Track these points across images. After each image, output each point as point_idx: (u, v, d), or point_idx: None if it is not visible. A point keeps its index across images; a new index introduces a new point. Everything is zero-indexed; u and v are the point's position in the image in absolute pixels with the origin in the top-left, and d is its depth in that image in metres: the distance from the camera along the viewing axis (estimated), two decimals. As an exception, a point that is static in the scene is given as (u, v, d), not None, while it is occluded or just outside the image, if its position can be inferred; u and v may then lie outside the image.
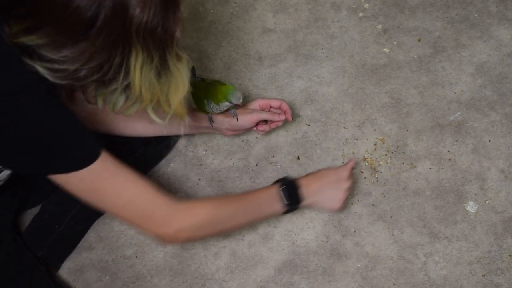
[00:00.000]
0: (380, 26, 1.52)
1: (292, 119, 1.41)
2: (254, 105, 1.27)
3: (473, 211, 1.31)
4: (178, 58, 0.85)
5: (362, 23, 1.52)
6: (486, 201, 1.32)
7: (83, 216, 1.29)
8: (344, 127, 1.40)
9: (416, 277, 1.25)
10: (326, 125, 1.41)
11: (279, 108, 1.27)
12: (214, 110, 1.21)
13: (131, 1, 0.76)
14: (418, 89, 1.44)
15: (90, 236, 1.32)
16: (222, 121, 1.26)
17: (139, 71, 0.80)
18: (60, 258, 1.29)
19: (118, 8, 0.75)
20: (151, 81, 0.83)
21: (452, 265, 1.26)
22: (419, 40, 1.49)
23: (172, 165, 1.38)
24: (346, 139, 1.39)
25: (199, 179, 1.36)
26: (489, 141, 1.38)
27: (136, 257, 1.30)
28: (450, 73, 1.45)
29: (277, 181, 1.17)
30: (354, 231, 1.30)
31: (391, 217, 1.31)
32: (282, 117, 1.27)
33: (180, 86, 0.87)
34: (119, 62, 0.79)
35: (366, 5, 1.55)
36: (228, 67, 1.48)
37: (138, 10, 0.76)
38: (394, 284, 1.25)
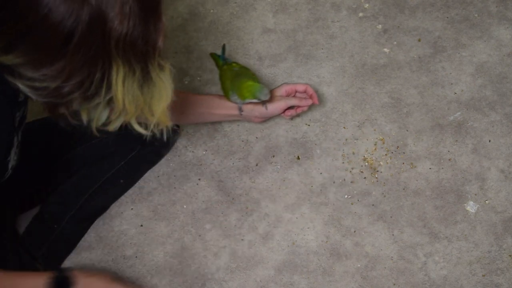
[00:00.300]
0: (380, 26, 1.52)
1: (292, 119, 1.41)
2: (281, 91, 1.27)
3: (473, 211, 1.31)
4: (161, 68, 0.82)
5: (362, 23, 1.52)
6: (486, 201, 1.32)
7: (83, 216, 1.29)
8: (344, 127, 1.40)
9: (416, 277, 1.25)
10: (326, 125, 1.41)
11: (305, 92, 1.28)
12: (237, 102, 1.23)
13: (109, 13, 0.72)
14: (418, 89, 1.44)
15: (90, 236, 1.32)
16: (252, 111, 1.26)
17: (121, 84, 0.78)
18: (59, 258, 1.29)
19: (95, 21, 0.72)
20: (134, 93, 0.80)
21: (452, 265, 1.26)
22: (419, 40, 1.49)
23: (172, 165, 1.38)
24: (346, 139, 1.39)
25: (199, 179, 1.36)
26: (489, 141, 1.38)
27: (136, 257, 1.30)
28: (450, 73, 1.45)
29: (54, 270, 1.09)
30: (354, 231, 1.30)
31: (391, 217, 1.31)
32: (309, 102, 1.27)
33: (163, 95, 0.84)
34: (100, 77, 0.76)
35: (366, 5, 1.55)
36: (228, 67, 1.48)
37: (116, 22, 0.73)
38: (394, 284, 1.25)
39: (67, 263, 1.30)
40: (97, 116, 0.86)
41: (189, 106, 1.24)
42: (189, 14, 1.55)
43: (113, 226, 1.33)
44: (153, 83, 0.81)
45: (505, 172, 1.34)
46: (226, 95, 1.24)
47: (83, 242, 1.31)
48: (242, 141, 1.40)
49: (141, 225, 1.33)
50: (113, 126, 0.87)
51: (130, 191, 1.35)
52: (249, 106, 1.25)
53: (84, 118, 0.86)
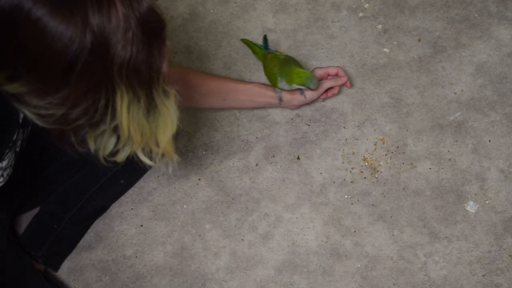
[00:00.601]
0: (380, 26, 1.52)
1: (292, 119, 1.41)
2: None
3: (473, 211, 1.31)
4: (166, 94, 0.80)
5: (362, 23, 1.52)
6: (486, 201, 1.32)
7: (83, 216, 1.29)
8: (344, 127, 1.40)
9: (416, 277, 1.25)
10: (326, 125, 1.41)
11: (337, 74, 1.31)
12: (284, 88, 1.27)
13: (112, 39, 0.71)
14: (418, 89, 1.44)
15: (90, 236, 1.32)
16: (291, 100, 1.30)
17: (126, 111, 0.76)
18: (59, 258, 1.29)
19: (97, 48, 0.70)
20: (140, 121, 0.79)
21: (452, 265, 1.26)
22: (419, 40, 1.49)
23: (172, 165, 1.38)
24: (346, 139, 1.39)
25: (199, 179, 1.36)
26: (489, 141, 1.38)
27: (136, 257, 1.30)
28: (450, 73, 1.45)
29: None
30: (354, 231, 1.30)
31: (391, 217, 1.31)
32: (344, 79, 1.31)
33: (168, 124, 0.83)
34: (104, 104, 0.75)
35: (366, 5, 1.55)
36: (228, 67, 1.48)
37: (119, 48, 0.71)
38: (394, 284, 1.25)
39: (67, 263, 1.30)
40: (104, 144, 0.85)
41: (232, 94, 1.28)
42: (189, 14, 1.55)
43: (113, 226, 1.33)
44: (158, 110, 0.80)
45: (505, 172, 1.34)
46: (273, 81, 1.28)
47: (83, 242, 1.31)
48: (242, 141, 1.40)
49: (141, 225, 1.33)
50: (121, 157, 0.86)
51: (130, 191, 1.35)
52: (288, 96, 1.29)
53: (91, 146, 0.86)
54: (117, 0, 0.71)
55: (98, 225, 1.33)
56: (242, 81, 1.37)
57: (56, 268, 1.28)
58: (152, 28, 0.75)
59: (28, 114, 0.77)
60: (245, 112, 1.43)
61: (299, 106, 1.38)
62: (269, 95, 1.31)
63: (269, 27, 1.53)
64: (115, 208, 1.34)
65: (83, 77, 0.72)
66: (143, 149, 0.85)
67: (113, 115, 0.77)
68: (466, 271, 1.26)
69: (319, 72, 1.30)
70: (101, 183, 1.28)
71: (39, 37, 0.69)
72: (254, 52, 1.42)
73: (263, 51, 1.35)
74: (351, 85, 1.44)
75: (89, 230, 1.32)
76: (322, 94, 1.32)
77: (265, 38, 1.37)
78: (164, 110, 0.81)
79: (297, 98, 1.30)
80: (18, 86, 0.73)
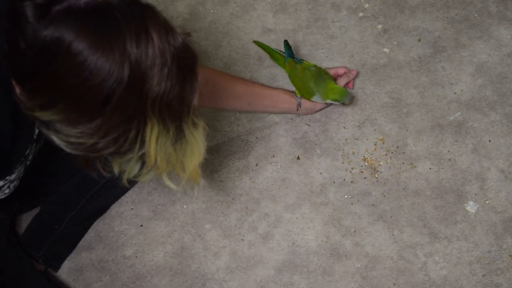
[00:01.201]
0: (380, 26, 1.52)
1: (292, 119, 1.41)
2: None
3: (473, 211, 1.31)
4: (195, 125, 0.81)
5: (362, 23, 1.52)
6: (486, 201, 1.32)
7: (83, 216, 1.29)
8: (344, 127, 1.40)
9: (416, 277, 1.25)
10: (326, 125, 1.41)
11: (345, 73, 1.37)
12: (317, 101, 1.33)
13: (148, 74, 0.71)
14: (418, 89, 1.44)
15: (90, 236, 1.32)
16: (313, 106, 1.36)
17: (154, 142, 0.77)
18: (60, 258, 1.29)
19: (134, 82, 0.71)
20: (167, 150, 0.79)
21: (452, 265, 1.26)
22: (419, 40, 1.49)
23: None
24: (346, 139, 1.39)
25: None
26: (489, 141, 1.38)
27: (136, 257, 1.30)
28: (450, 73, 1.45)
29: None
30: (354, 231, 1.30)
31: (391, 217, 1.31)
32: (355, 72, 1.39)
33: (195, 153, 0.83)
34: (134, 135, 0.76)
35: (366, 5, 1.55)
36: (228, 67, 1.48)
37: (154, 83, 0.72)
38: (394, 284, 1.25)
39: (67, 263, 1.30)
40: (129, 170, 0.85)
41: (257, 99, 1.30)
42: (189, 14, 1.55)
43: (113, 226, 1.33)
44: (186, 140, 0.81)
45: (505, 172, 1.34)
46: (306, 94, 1.31)
47: (83, 242, 1.31)
48: (242, 141, 1.40)
49: (141, 225, 1.33)
50: (144, 179, 0.86)
51: (130, 191, 1.35)
52: (310, 104, 1.34)
53: (116, 170, 0.86)
54: (155, 35, 0.71)
55: (98, 225, 1.33)
56: (267, 86, 1.38)
57: (57, 268, 1.28)
58: (186, 64, 0.76)
59: (57, 141, 0.77)
60: (245, 112, 1.43)
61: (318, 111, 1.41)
62: (292, 102, 1.34)
63: (269, 27, 1.53)
64: (115, 208, 1.34)
65: (117, 109, 0.72)
66: (168, 173, 0.85)
67: (142, 145, 0.77)
68: (466, 271, 1.26)
69: (330, 72, 1.35)
70: (101, 183, 1.28)
71: (78, 70, 0.69)
72: (273, 57, 1.41)
73: (288, 59, 1.35)
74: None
75: (89, 230, 1.32)
76: None
77: (287, 44, 1.36)
78: (192, 140, 0.81)
79: (320, 105, 1.36)
80: (51, 114, 0.73)
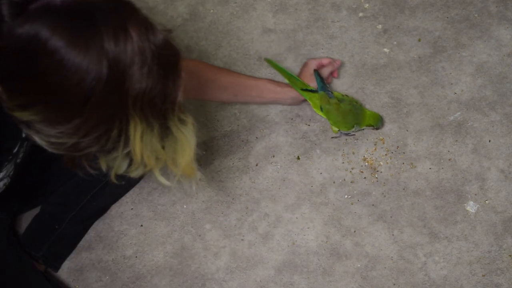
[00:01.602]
0: (380, 26, 1.52)
1: (292, 119, 1.41)
2: (312, 67, 1.35)
3: (473, 211, 1.31)
4: (182, 122, 0.79)
5: (362, 23, 1.52)
6: (486, 201, 1.32)
7: (83, 216, 1.29)
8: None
9: (416, 277, 1.25)
10: (326, 125, 1.41)
11: (329, 63, 1.38)
12: (356, 130, 1.36)
13: (127, 72, 0.70)
14: (418, 89, 1.44)
15: (90, 236, 1.32)
16: (296, 98, 1.35)
17: (139, 140, 0.75)
18: (60, 259, 1.29)
19: (113, 81, 0.69)
20: (154, 148, 0.78)
21: (452, 265, 1.26)
22: (419, 40, 1.49)
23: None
24: (346, 139, 1.39)
25: (199, 179, 1.36)
26: (489, 141, 1.38)
27: (136, 257, 1.30)
28: (450, 73, 1.45)
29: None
30: (354, 231, 1.30)
31: (391, 217, 1.31)
32: (339, 61, 1.40)
33: (186, 149, 0.82)
34: (117, 134, 0.74)
35: (366, 5, 1.55)
36: (228, 67, 1.48)
37: (135, 81, 0.71)
38: (394, 284, 1.25)
39: (67, 263, 1.30)
40: (117, 167, 0.84)
41: (243, 89, 1.29)
42: (189, 14, 1.55)
43: (113, 226, 1.33)
44: (173, 137, 0.79)
45: (505, 172, 1.34)
46: (344, 128, 1.33)
47: (83, 242, 1.31)
48: (242, 141, 1.40)
49: (141, 225, 1.33)
50: (134, 174, 0.84)
51: (130, 191, 1.35)
52: (295, 93, 1.33)
53: (104, 167, 0.85)
54: (134, 33, 0.70)
55: (98, 225, 1.33)
56: (253, 77, 1.37)
57: (57, 268, 1.28)
58: (168, 61, 0.74)
59: (39, 141, 0.76)
60: (245, 112, 1.43)
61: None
62: (278, 91, 1.32)
63: (269, 27, 1.53)
64: (115, 208, 1.34)
65: (97, 108, 0.71)
66: (162, 169, 0.84)
67: (126, 143, 0.76)
68: (466, 271, 1.26)
69: (314, 63, 1.35)
70: (102, 184, 1.28)
71: (56, 69, 0.68)
72: (289, 80, 1.34)
73: (321, 92, 1.30)
74: (351, 85, 1.44)
75: (89, 230, 1.32)
76: (327, 80, 1.37)
77: (318, 75, 1.32)
78: (180, 137, 0.80)
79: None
80: (30, 114, 0.72)
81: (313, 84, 1.32)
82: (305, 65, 1.36)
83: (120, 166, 0.84)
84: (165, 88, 0.74)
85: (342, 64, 1.44)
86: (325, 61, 1.37)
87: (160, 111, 0.75)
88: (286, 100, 1.35)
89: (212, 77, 1.23)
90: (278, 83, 1.33)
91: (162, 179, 0.86)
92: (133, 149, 0.76)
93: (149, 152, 0.78)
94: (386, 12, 1.53)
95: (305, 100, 1.35)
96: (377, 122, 1.34)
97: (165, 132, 0.78)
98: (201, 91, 1.22)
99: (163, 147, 0.79)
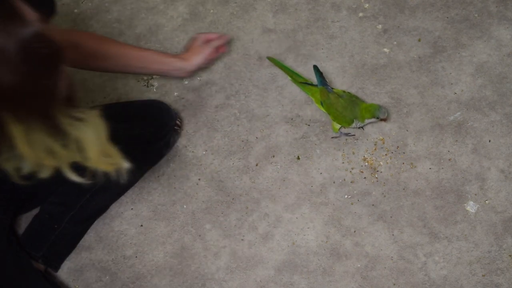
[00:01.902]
0: (380, 26, 1.52)
1: (292, 119, 1.41)
2: (199, 41, 1.36)
3: (473, 211, 1.31)
4: (77, 119, 0.73)
5: (362, 23, 1.52)
6: (486, 201, 1.32)
7: (83, 216, 1.29)
8: (344, 127, 1.40)
9: (416, 277, 1.25)
10: (326, 125, 1.41)
11: (218, 38, 1.40)
12: (357, 126, 1.33)
13: None
14: (418, 89, 1.44)
15: (90, 236, 1.32)
16: (182, 68, 1.32)
17: (23, 140, 0.70)
18: (59, 258, 1.29)
19: None
20: (49, 147, 0.72)
21: (452, 265, 1.26)
22: (419, 40, 1.49)
23: (172, 165, 1.38)
24: (346, 139, 1.39)
25: (199, 179, 1.36)
26: (489, 141, 1.38)
27: (136, 257, 1.30)
28: (450, 73, 1.45)
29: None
30: (354, 231, 1.30)
31: (391, 217, 1.31)
32: (227, 36, 1.41)
33: (89, 145, 0.77)
34: None
35: (366, 5, 1.55)
36: (228, 67, 1.48)
37: None
38: (394, 284, 1.25)
39: (67, 263, 1.30)
40: (16, 167, 0.78)
41: (128, 60, 1.26)
42: (189, 14, 1.55)
43: (113, 226, 1.33)
44: (69, 135, 0.73)
45: (505, 172, 1.34)
46: (345, 122, 1.32)
47: (83, 242, 1.31)
48: (242, 141, 1.40)
49: (141, 225, 1.33)
50: (44, 175, 0.79)
51: (130, 191, 1.35)
52: (181, 63, 1.32)
53: (8, 168, 0.79)
54: None
55: (98, 225, 1.33)
56: (139, 47, 1.37)
57: (56, 268, 1.28)
58: (39, 55, 0.67)
59: None
60: (245, 112, 1.43)
61: (196, 72, 1.40)
62: (164, 62, 1.30)
63: (269, 27, 1.53)
64: (115, 208, 1.34)
65: None
66: (72, 165, 0.78)
67: (11, 146, 0.70)
68: (466, 271, 1.26)
69: (202, 38, 1.36)
70: (102, 183, 1.27)
71: None
72: (291, 77, 1.40)
73: (321, 87, 1.34)
74: (351, 85, 1.44)
75: (89, 230, 1.32)
76: (214, 53, 1.38)
77: (318, 71, 1.35)
78: (77, 134, 0.74)
79: (192, 63, 1.33)
80: None
81: (202, 57, 1.34)
82: (193, 38, 1.38)
83: (20, 167, 0.78)
84: (37, 84, 0.67)
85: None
86: (212, 36, 1.38)
87: (37, 109, 0.69)
88: (172, 71, 1.32)
89: (95, 47, 1.20)
90: (164, 54, 1.32)
91: (72, 176, 0.80)
92: (20, 149, 0.71)
93: (42, 151, 0.72)
94: (386, 12, 1.53)
95: (193, 72, 1.37)
96: (374, 112, 1.31)
97: (56, 132, 0.72)
98: (85, 61, 1.18)
99: (65, 145, 0.74)
